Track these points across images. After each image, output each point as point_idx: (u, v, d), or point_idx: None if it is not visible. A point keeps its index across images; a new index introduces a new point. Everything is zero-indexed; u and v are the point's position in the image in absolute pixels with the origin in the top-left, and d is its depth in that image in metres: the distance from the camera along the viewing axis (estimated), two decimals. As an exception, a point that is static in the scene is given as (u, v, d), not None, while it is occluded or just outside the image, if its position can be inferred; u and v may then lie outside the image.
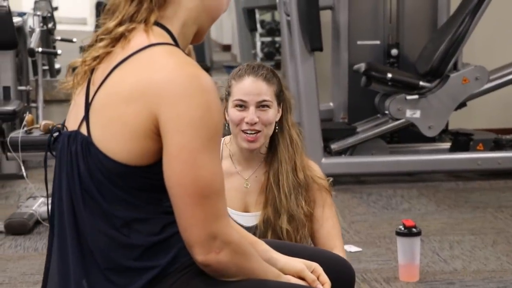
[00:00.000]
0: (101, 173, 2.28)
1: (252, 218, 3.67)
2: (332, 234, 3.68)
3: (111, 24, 2.35)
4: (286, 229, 3.57)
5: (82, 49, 2.49)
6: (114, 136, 2.26)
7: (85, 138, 2.27)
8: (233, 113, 3.63)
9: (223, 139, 3.87)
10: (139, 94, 2.22)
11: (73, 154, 2.33)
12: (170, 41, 2.35)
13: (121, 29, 2.32)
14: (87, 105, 2.31)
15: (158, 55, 2.28)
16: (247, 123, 3.59)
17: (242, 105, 3.60)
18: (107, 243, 2.31)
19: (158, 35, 2.33)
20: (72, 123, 2.36)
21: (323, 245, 3.64)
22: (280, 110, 3.68)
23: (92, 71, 2.34)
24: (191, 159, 2.22)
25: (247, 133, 3.62)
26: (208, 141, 2.23)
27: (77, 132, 2.30)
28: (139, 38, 2.31)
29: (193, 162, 2.23)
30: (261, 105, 3.59)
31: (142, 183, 2.30)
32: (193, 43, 2.57)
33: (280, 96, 3.69)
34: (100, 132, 2.28)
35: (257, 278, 2.43)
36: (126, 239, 2.29)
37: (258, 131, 3.60)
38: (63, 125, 2.45)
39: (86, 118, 2.29)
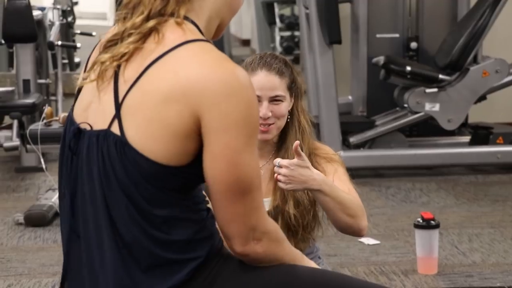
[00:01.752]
0: (138, 173, 2.24)
1: (265, 204, 3.47)
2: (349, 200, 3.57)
3: (137, 19, 2.29)
4: (293, 214, 3.53)
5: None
6: (152, 136, 2.22)
7: (119, 138, 2.22)
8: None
9: None
10: (180, 94, 2.18)
11: (106, 154, 2.28)
12: (202, 36, 2.31)
13: (150, 23, 2.26)
14: (118, 104, 2.26)
15: (194, 52, 2.23)
16: (260, 117, 3.50)
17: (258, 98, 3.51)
18: (147, 241, 2.28)
19: (191, 30, 2.28)
20: (100, 122, 2.28)
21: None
22: (292, 99, 3.64)
23: (117, 67, 2.28)
24: (234, 158, 2.21)
25: (260, 125, 3.57)
26: (249, 139, 2.22)
27: (107, 131, 2.24)
28: (173, 34, 2.26)
29: (237, 161, 2.21)
30: (274, 100, 3.54)
31: (180, 182, 2.28)
32: (214, 38, 2.50)
33: (293, 87, 3.64)
34: (136, 132, 2.23)
35: (287, 262, 2.42)
36: (166, 236, 2.27)
37: (271, 123, 3.56)
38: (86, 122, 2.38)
39: (117, 117, 2.25)
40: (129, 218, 2.27)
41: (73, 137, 2.34)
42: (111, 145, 2.23)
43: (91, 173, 2.29)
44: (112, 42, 2.31)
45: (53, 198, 6.41)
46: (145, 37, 2.25)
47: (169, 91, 2.16)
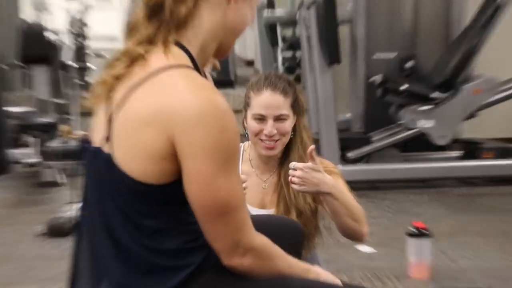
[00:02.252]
0: (126, 189, 2.36)
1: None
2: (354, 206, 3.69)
3: (130, 43, 2.41)
4: None
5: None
6: (134, 157, 2.33)
7: (108, 157, 2.36)
8: (253, 125, 3.68)
9: (242, 144, 3.92)
10: (155, 118, 2.29)
11: (97, 171, 2.44)
12: (188, 62, 2.38)
13: (139, 49, 2.36)
14: (109, 120, 2.39)
15: (174, 78, 2.32)
16: (265, 135, 3.67)
17: (261, 118, 3.64)
18: (141, 248, 2.39)
19: (176, 56, 2.35)
20: (98, 140, 2.43)
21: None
22: (295, 116, 3.73)
23: (110, 90, 2.41)
24: (207, 183, 2.29)
25: (265, 143, 3.70)
26: (223, 163, 2.30)
27: (100, 149, 2.39)
28: (157, 60, 2.35)
29: (210, 185, 2.30)
30: (279, 118, 3.62)
31: (163, 199, 2.37)
32: (218, 58, 2.61)
33: (296, 105, 3.73)
34: (122, 152, 2.35)
35: (282, 275, 2.52)
36: (158, 244, 2.38)
37: (277, 140, 3.65)
38: (87, 138, 2.51)
39: (108, 137, 2.40)
40: (122, 227, 2.39)
41: (84, 148, 2.55)
42: (102, 162, 2.38)
43: (91, 185, 2.46)
44: (110, 64, 2.44)
45: (71, 211, 6.39)
46: (133, 61, 2.36)
47: (146, 115, 2.28)
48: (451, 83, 7.41)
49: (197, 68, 2.39)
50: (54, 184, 7.64)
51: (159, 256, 2.37)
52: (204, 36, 2.42)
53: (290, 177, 3.44)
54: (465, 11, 7.97)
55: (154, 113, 2.24)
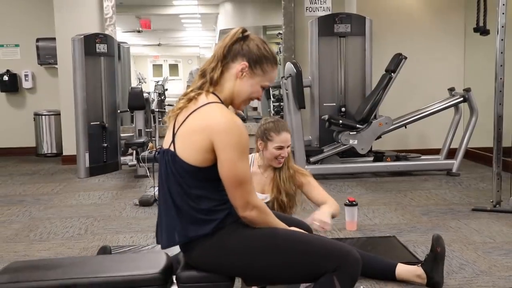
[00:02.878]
0: (182, 170, 2.49)
1: (267, 196, 3.92)
2: (322, 194, 3.89)
3: (189, 90, 2.58)
4: (285, 201, 3.85)
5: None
6: (189, 151, 2.48)
7: (173, 153, 2.50)
8: (274, 151, 3.83)
9: (253, 155, 4.02)
10: (201, 129, 2.44)
11: (167, 162, 2.54)
12: (219, 101, 2.53)
13: (192, 94, 2.55)
14: (174, 134, 2.52)
15: (211, 108, 2.48)
16: (282, 157, 3.85)
17: (280, 148, 3.81)
18: (188, 207, 2.52)
19: (212, 98, 2.52)
20: (166, 144, 2.57)
21: (321, 201, 3.81)
22: None
23: (176, 116, 2.57)
24: (232, 165, 2.44)
25: (279, 160, 3.86)
26: (240, 154, 2.43)
27: (168, 150, 2.54)
28: (202, 99, 2.52)
29: (233, 167, 2.44)
30: (287, 146, 3.84)
31: (204, 176, 2.49)
32: (236, 109, 2.69)
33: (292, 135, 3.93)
34: (181, 149, 2.49)
35: (273, 226, 2.62)
36: (198, 206, 2.50)
37: (284, 157, 3.86)
38: (162, 146, 2.64)
39: (173, 141, 2.52)
40: (178, 194, 2.53)
41: (158, 153, 2.79)
42: (169, 156, 2.52)
43: (162, 171, 2.60)
44: (178, 101, 2.61)
45: (155, 190, 6.47)
46: (189, 100, 2.54)
47: (198, 128, 2.45)
48: (366, 120, 7.67)
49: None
50: (144, 176, 7.95)
51: (198, 212, 2.52)
52: (225, 92, 2.58)
53: (318, 226, 3.42)
54: (372, 79, 8.21)
55: (201, 126, 2.44)
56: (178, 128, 2.52)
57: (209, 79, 2.55)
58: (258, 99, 2.68)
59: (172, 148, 2.52)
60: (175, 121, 2.55)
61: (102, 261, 2.84)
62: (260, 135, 3.88)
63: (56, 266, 2.75)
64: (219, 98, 2.54)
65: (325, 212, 3.52)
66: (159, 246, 2.71)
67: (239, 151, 2.44)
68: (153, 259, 2.72)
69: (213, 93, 2.54)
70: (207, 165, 2.47)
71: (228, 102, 2.59)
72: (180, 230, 2.54)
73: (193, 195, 2.51)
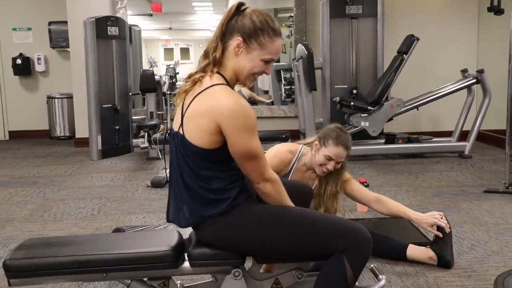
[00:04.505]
0: (191, 152, 2.51)
1: None
2: (365, 192, 4.02)
3: (193, 72, 2.58)
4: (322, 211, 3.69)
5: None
6: (196, 134, 2.49)
7: (182, 136, 2.52)
8: (322, 160, 3.69)
9: (302, 147, 3.88)
10: (208, 112, 2.44)
11: (177, 144, 2.57)
12: (224, 82, 2.52)
13: (197, 76, 2.55)
14: (182, 117, 2.53)
15: (216, 90, 2.48)
16: (327, 168, 3.70)
17: (330, 158, 3.67)
18: (200, 188, 2.55)
19: (217, 79, 2.52)
20: (175, 126, 2.59)
21: (364, 199, 4.01)
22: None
23: (184, 98, 2.57)
24: (243, 142, 2.45)
25: (323, 169, 3.72)
26: (250, 132, 2.44)
27: (177, 133, 2.56)
28: (207, 81, 2.51)
29: (245, 143, 2.45)
30: (338, 162, 3.70)
31: (212, 157, 2.51)
32: (242, 84, 2.67)
33: (347, 158, 3.75)
34: (189, 132, 2.50)
35: (284, 204, 2.63)
36: (209, 186, 2.53)
37: (328, 171, 3.71)
38: (172, 128, 2.65)
39: (181, 124, 2.53)
40: (189, 175, 2.56)
41: (169, 135, 2.66)
42: (179, 140, 2.55)
43: (173, 154, 2.63)
44: (188, 79, 2.60)
45: (167, 171, 6.47)
46: (194, 82, 2.54)
47: (204, 111, 2.46)
48: (378, 102, 7.65)
49: (229, 85, 2.54)
50: (156, 158, 8.04)
51: (209, 192, 2.54)
52: (229, 71, 2.57)
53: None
54: (384, 61, 8.16)
55: (207, 109, 2.45)
56: (185, 111, 2.52)
57: (212, 60, 2.54)
58: (266, 73, 2.60)
59: (181, 131, 2.53)
60: (183, 103, 2.56)
61: (114, 238, 2.88)
62: (321, 136, 3.77)
63: (70, 243, 2.79)
64: (225, 78, 2.55)
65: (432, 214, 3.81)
66: (171, 225, 2.79)
67: (248, 132, 2.45)
68: (165, 237, 2.74)
69: (218, 73, 2.55)
70: (215, 147, 2.48)
71: (234, 81, 2.59)
72: (194, 211, 2.58)
73: (203, 176, 2.53)
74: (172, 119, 8.32)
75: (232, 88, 2.55)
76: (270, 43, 2.55)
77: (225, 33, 2.54)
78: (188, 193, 2.57)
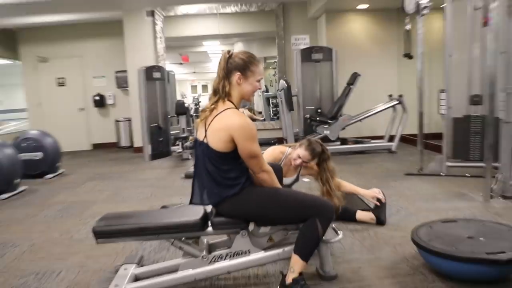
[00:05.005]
0: (214, 155, 2.45)
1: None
2: (345, 184, 3.85)
3: (209, 103, 2.51)
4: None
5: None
6: (217, 142, 2.43)
7: (206, 144, 2.47)
8: (295, 156, 3.59)
9: (288, 150, 3.71)
10: (225, 128, 2.40)
11: (203, 150, 2.50)
12: (233, 106, 2.47)
13: (212, 106, 2.48)
14: (205, 131, 2.47)
15: (229, 113, 2.43)
16: (296, 164, 3.58)
17: (299, 157, 3.57)
18: (219, 177, 2.49)
19: (228, 104, 2.46)
20: (200, 137, 2.52)
21: (347, 186, 3.82)
22: (317, 162, 3.58)
23: (205, 120, 2.50)
24: (248, 147, 2.41)
25: (295, 163, 3.59)
26: (252, 140, 2.41)
27: (202, 142, 2.50)
28: (221, 107, 2.46)
29: (249, 148, 2.41)
30: (304, 161, 3.56)
31: (228, 158, 2.46)
32: (247, 100, 2.58)
33: (318, 159, 3.58)
34: (212, 141, 2.44)
35: (277, 187, 2.59)
36: (226, 175, 2.49)
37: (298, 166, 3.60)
38: (197, 138, 2.57)
39: (205, 136, 2.47)
40: (213, 170, 2.50)
41: (195, 144, 2.60)
42: (204, 147, 2.49)
43: (198, 156, 2.58)
44: (206, 107, 2.53)
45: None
46: (211, 109, 2.48)
47: (221, 127, 2.41)
48: (335, 117, 7.63)
49: (237, 108, 2.49)
50: (187, 159, 8.00)
51: (226, 180, 2.50)
52: (236, 97, 2.51)
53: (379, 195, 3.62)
54: (338, 90, 8.08)
55: (223, 126, 2.40)
56: (207, 127, 2.45)
57: (223, 93, 2.47)
58: (259, 88, 2.56)
59: (205, 141, 2.47)
60: (205, 123, 2.48)
61: (161, 212, 2.92)
62: (300, 142, 3.68)
63: (134, 216, 2.82)
64: (233, 103, 2.48)
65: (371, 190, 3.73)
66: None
67: (251, 140, 2.40)
68: (195, 210, 2.71)
69: (228, 100, 2.48)
70: (230, 150, 2.43)
71: (239, 104, 2.52)
72: (217, 193, 2.51)
73: (223, 169, 2.48)
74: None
75: (238, 109, 2.49)
76: (256, 68, 2.53)
77: (227, 73, 2.49)
78: (212, 181, 2.50)
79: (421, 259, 2.95)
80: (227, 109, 2.42)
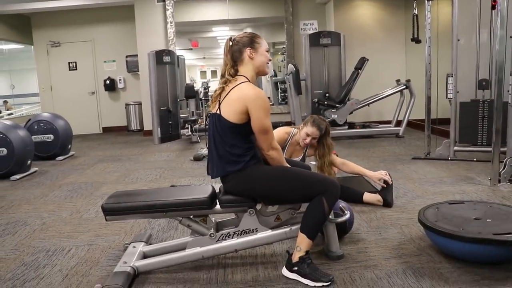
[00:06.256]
0: (225, 126, 2.46)
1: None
2: (335, 158, 3.81)
3: (221, 80, 2.53)
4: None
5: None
6: (230, 113, 2.45)
7: (218, 115, 2.49)
8: (303, 135, 3.63)
9: (293, 130, 3.79)
10: (239, 98, 2.43)
11: (214, 121, 2.52)
12: (246, 80, 2.49)
13: (222, 85, 2.52)
14: (219, 103, 2.50)
15: (244, 86, 2.45)
16: (305, 142, 3.64)
17: (307, 135, 3.61)
18: (225, 152, 2.50)
19: (240, 78, 2.49)
20: (213, 110, 2.54)
21: (335, 163, 3.76)
22: (322, 136, 3.61)
23: (219, 94, 2.52)
24: (260, 120, 2.42)
25: (304, 142, 3.63)
26: (265, 112, 2.42)
27: (215, 113, 2.52)
28: (234, 82, 2.49)
29: (261, 122, 2.42)
30: (313, 138, 3.59)
31: (238, 130, 2.46)
32: (263, 74, 2.61)
33: (322, 134, 3.61)
34: (224, 111, 2.46)
35: (285, 166, 2.59)
36: (232, 151, 2.49)
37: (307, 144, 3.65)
38: (210, 111, 2.59)
39: (219, 108, 2.49)
40: (219, 143, 2.51)
41: (209, 116, 2.60)
42: (216, 116, 2.51)
43: (210, 128, 2.58)
44: (217, 88, 2.55)
45: (203, 151, 6.56)
46: (225, 83, 2.51)
47: (236, 97, 2.44)
48: (342, 101, 7.62)
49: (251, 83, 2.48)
50: (196, 142, 8.03)
51: (232, 156, 2.49)
52: (250, 71, 2.53)
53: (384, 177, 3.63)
54: (346, 74, 8.04)
55: (238, 96, 2.42)
56: (223, 99, 2.47)
57: (230, 75, 2.52)
58: (270, 60, 2.61)
59: (218, 112, 2.48)
60: (219, 98, 2.50)
61: (170, 190, 2.89)
62: (305, 120, 3.71)
63: (142, 193, 2.83)
64: (246, 78, 2.50)
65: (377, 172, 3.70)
66: (207, 183, 2.71)
67: (264, 111, 2.41)
68: (203, 189, 2.71)
69: (240, 75, 2.50)
70: (241, 122, 2.43)
71: (254, 79, 2.54)
72: (221, 167, 2.52)
73: (228, 143, 2.47)
74: (206, 116, 8.27)
75: (252, 83, 2.51)
76: (261, 40, 2.59)
77: (233, 55, 2.52)
78: (217, 155, 2.52)
79: (428, 240, 2.93)
80: (242, 82, 2.44)
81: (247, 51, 2.50)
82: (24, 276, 2.75)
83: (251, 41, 2.52)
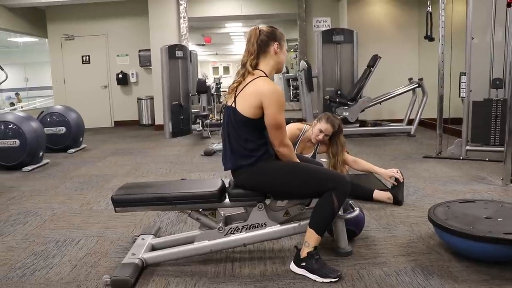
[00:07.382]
0: (239, 120, 2.45)
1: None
2: (347, 156, 3.81)
3: (240, 73, 2.51)
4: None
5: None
6: (245, 107, 2.44)
7: (234, 108, 2.48)
8: (317, 132, 3.65)
9: (305, 127, 3.80)
10: (255, 93, 2.42)
11: (229, 114, 2.51)
12: (263, 74, 2.48)
13: (240, 78, 2.51)
14: (235, 96, 2.48)
15: (260, 80, 2.45)
16: (318, 139, 3.65)
17: (320, 131, 3.64)
18: (239, 146, 2.50)
19: (258, 73, 2.48)
20: (229, 103, 2.53)
21: (346, 161, 3.77)
22: (335, 134, 3.64)
23: (235, 88, 2.51)
24: (274, 116, 2.40)
25: (316, 138, 3.66)
26: (279, 107, 2.41)
27: (230, 106, 2.51)
28: (251, 76, 2.48)
29: (275, 117, 2.40)
30: (326, 135, 3.63)
31: (252, 125, 2.45)
32: (278, 72, 2.62)
33: (336, 131, 3.64)
34: (240, 105, 2.45)
35: (295, 161, 2.57)
36: (245, 145, 2.49)
37: (320, 141, 3.68)
38: (225, 104, 2.59)
39: (234, 101, 2.48)
40: (233, 136, 2.51)
41: (224, 108, 2.61)
42: (231, 110, 2.50)
43: (224, 121, 2.56)
44: (234, 81, 2.55)
45: (214, 146, 6.58)
46: (243, 76, 2.50)
47: (252, 92, 2.43)
48: (354, 99, 7.59)
49: (268, 77, 2.49)
50: (207, 137, 8.07)
51: (245, 150, 2.49)
52: (270, 66, 2.52)
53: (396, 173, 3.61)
54: (358, 72, 8.00)
55: (254, 91, 2.41)
56: (239, 93, 2.46)
57: (251, 66, 2.48)
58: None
59: (233, 105, 2.48)
60: (235, 91, 2.49)
61: (180, 183, 2.90)
62: (318, 117, 3.72)
63: (152, 186, 2.83)
64: (264, 73, 2.49)
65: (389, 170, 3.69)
66: (217, 178, 2.71)
67: (278, 106, 2.39)
68: (213, 182, 2.72)
69: (260, 70, 2.49)
70: (255, 117, 2.42)
71: (272, 74, 2.55)
72: (233, 160, 2.51)
73: (242, 138, 2.47)
74: (217, 111, 8.33)
75: (269, 78, 2.50)
76: (285, 38, 2.59)
77: (260, 46, 2.49)
78: (230, 148, 2.51)
79: (437, 239, 2.90)
80: (259, 77, 2.44)
81: (274, 45, 2.50)
82: (34, 265, 2.78)
83: (280, 37, 2.52)
